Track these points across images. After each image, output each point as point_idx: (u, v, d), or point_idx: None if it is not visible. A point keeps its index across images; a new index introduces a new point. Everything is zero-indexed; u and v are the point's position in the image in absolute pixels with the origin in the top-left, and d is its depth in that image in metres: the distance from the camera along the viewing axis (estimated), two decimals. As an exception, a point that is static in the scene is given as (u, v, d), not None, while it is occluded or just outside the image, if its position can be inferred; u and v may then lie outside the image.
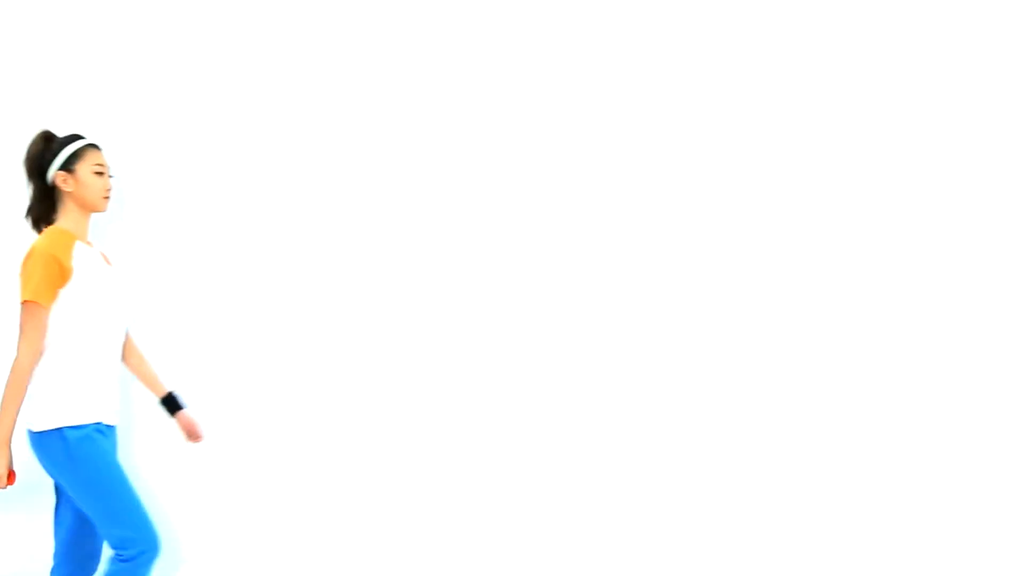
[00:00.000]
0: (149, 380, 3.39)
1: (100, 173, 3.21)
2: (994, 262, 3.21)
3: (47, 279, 3.07)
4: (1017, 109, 3.22)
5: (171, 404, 3.42)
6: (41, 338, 3.09)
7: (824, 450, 3.32)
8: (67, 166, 3.18)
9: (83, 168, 3.19)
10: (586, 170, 3.58)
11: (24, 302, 3.05)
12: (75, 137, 3.22)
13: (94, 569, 3.25)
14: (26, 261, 3.08)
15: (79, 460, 3.07)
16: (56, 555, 3.27)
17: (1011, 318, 3.18)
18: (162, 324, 3.74)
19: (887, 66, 3.35)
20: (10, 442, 3.05)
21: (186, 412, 3.48)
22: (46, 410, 3.09)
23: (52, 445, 3.07)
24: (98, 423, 3.16)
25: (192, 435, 3.50)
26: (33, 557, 3.65)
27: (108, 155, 3.67)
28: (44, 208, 3.21)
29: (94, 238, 3.86)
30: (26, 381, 3.06)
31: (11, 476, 3.04)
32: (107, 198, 3.24)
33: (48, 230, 3.14)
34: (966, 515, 3.18)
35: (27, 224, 3.24)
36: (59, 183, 3.17)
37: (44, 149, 3.20)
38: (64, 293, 3.10)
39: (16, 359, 3.06)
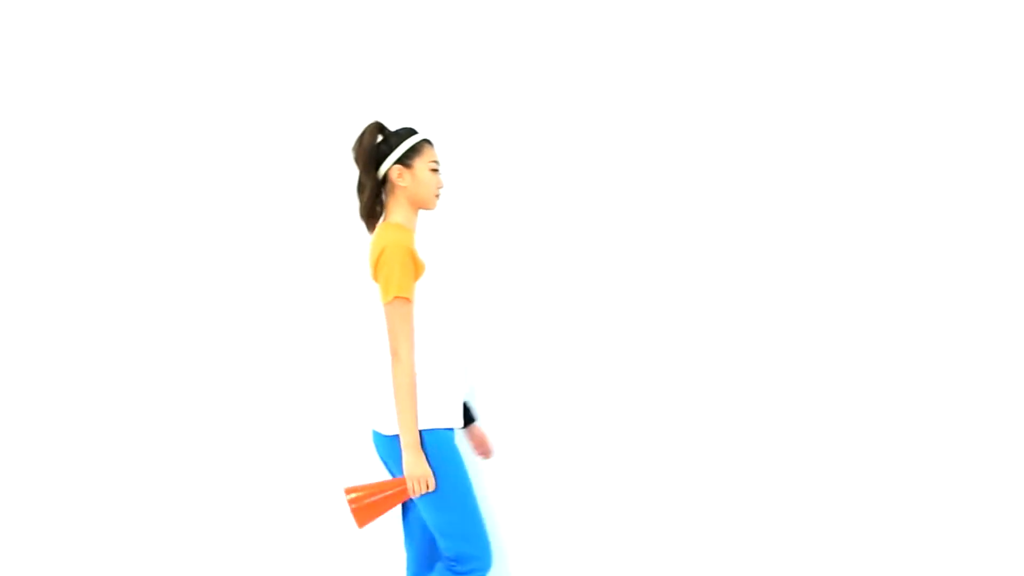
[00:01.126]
0: None
1: (435, 170, 3.11)
2: (994, 262, 3.05)
3: (409, 273, 2.95)
4: (1017, 109, 3.06)
5: (465, 416, 3.28)
6: (413, 334, 2.97)
7: (824, 451, 3.19)
8: (404, 160, 3.06)
9: (420, 163, 3.07)
10: (588, 170, 3.42)
11: (393, 299, 2.92)
12: (411, 131, 3.12)
13: None
14: (380, 259, 2.95)
15: (433, 467, 2.93)
16: (409, 566, 3.17)
17: (1011, 318, 3.03)
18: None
19: (887, 66, 3.17)
20: (419, 446, 2.90)
21: (478, 425, 3.32)
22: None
23: None
24: (452, 428, 3.03)
25: (483, 450, 3.35)
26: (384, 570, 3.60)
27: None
28: (377, 203, 3.12)
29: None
30: (415, 381, 2.94)
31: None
32: (438, 196, 3.14)
33: (387, 225, 3.03)
34: (966, 515, 3.05)
35: (361, 221, 3.14)
36: (394, 178, 3.06)
37: (379, 141, 3.11)
38: (418, 288, 2.99)
39: (399, 362, 2.92)
